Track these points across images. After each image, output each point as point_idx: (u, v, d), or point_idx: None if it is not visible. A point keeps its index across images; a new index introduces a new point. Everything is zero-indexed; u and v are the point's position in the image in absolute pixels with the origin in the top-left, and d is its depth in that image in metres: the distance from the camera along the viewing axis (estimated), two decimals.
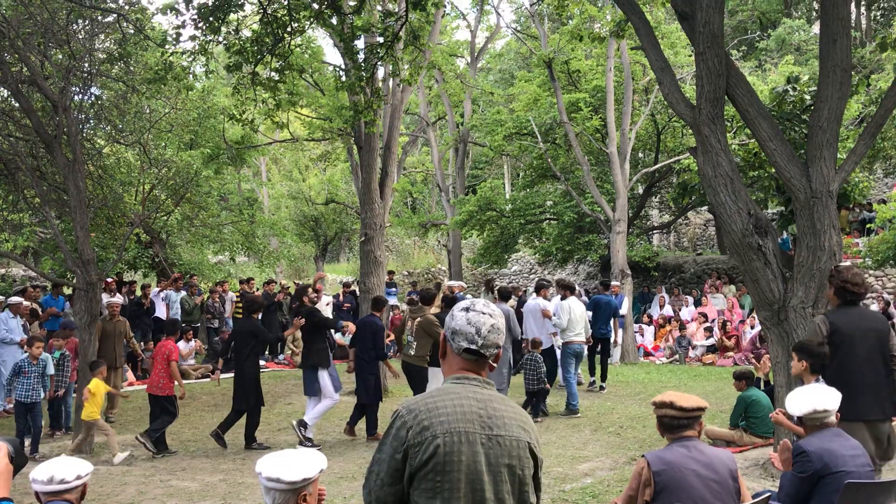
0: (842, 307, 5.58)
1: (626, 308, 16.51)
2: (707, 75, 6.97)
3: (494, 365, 2.63)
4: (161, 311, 15.48)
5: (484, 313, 2.57)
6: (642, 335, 18.08)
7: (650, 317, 18.76)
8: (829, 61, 6.68)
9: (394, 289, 20.41)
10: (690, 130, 18.86)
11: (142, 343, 14.89)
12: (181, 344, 14.67)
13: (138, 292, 15.65)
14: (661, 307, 19.18)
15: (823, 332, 5.42)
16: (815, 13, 33.26)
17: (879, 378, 5.34)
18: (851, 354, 5.34)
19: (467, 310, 2.60)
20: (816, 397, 4.15)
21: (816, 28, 30.21)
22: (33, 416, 9.16)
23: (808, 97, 8.76)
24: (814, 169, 6.69)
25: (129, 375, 14.04)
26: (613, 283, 16.79)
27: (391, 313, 17.64)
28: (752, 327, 15.72)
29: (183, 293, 15.80)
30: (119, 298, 13.38)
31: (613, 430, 10.12)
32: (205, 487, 7.73)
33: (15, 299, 12.57)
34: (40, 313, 13.54)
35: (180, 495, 7.44)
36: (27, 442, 8.91)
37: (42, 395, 9.38)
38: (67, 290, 14.90)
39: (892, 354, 5.37)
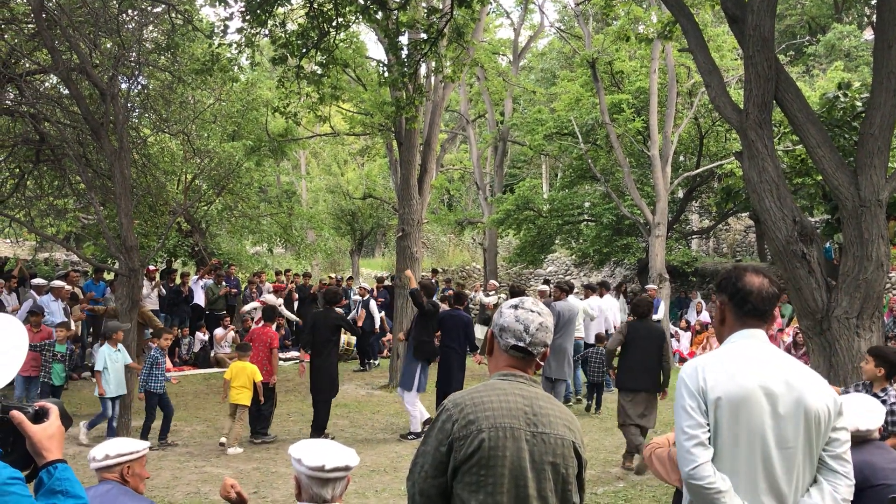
0: (636, 320, 8.48)
1: (662, 312, 16.33)
2: (756, 79, 6.85)
3: (542, 363, 2.63)
4: (200, 299, 15.66)
5: (532, 311, 2.58)
6: (678, 341, 17.87)
7: (688, 322, 18.54)
8: (884, 67, 6.53)
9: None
10: (734, 135, 18.47)
11: (179, 331, 15.10)
12: (219, 331, 14.82)
13: (178, 280, 15.85)
14: (699, 313, 18.95)
15: (624, 333, 8.39)
16: (866, 19, 32.57)
17: (652, 365, 8.16)
18: (637, 350, 8.23)
19: (516, 307, 2.60)
20: (861, 417, 4.05)
21: (867, 34, 29.61)
22: (166, 404, 9.27)
23: (859, 104, 8.56)
24: (863, 177, 6.54)
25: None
26: (650, 286, 16.63)
27: None
28: (793, 337, 15.44)
29: (210, 281, 15.87)
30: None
31: (647, 435, 10.02)
32: (238, 475, 7.81)
33: (57, 283, 12.81)
34: (80, 297, 13.76)
35: (214, 482, 7.52)
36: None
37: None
38: (108, 276, 15.14)
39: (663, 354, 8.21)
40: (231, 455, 8.71)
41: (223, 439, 9.06)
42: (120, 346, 9.32)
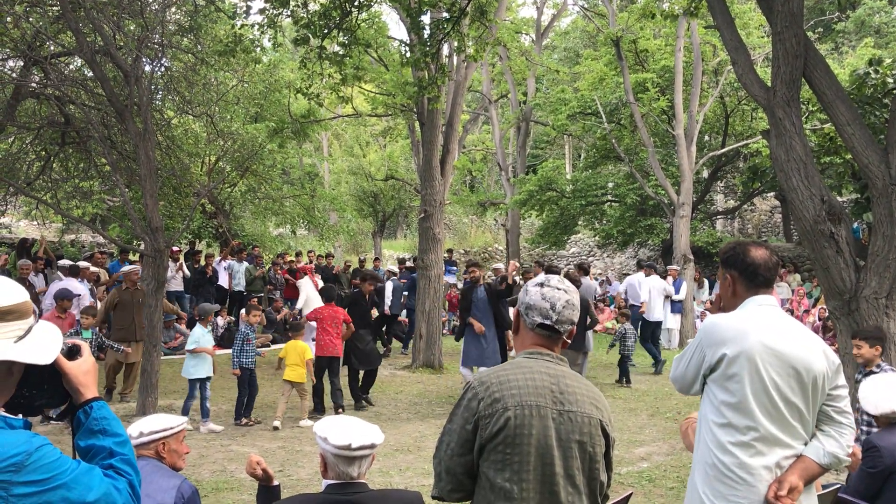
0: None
1: (684, 293, 16.22)
2: (784, 56, 6.73)
3: (568, 341, 2.60)
4: (224, 281, 15.78)
5: (559, 289, 2.56)
6: (703, 321, 17.75)
7: (713, 303, 18.42)
8: None
9: (454, 267, 20.42)
10: (760, 114, 18.22)
11: None
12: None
13: (202, 262, 15.98)
14: None
15: None
16: None
17: (578, 329, 8.67)
18: None
19: (542, 285, 2.58)
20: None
21: None
22: (253, 381, 9.48)
23: (890, 80, 8.40)
24: (894, 155, 6.42)
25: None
26: (671, 267, 16.52)
27: (448, 291, 17.68)
28: (821, 319, 15.29)
29: (247, 264, 16.07)
30: (136, 267, 11.68)
31: (671, 415, 9.99)
32: (263, 454, 7.88)
33: (83, 264, 12.94)
34: (104, 278, 13.86)
35: (240, 460, 7.60)
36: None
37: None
38: (133, 257, 15.29)
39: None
40: (256, 433, 8.80)
41: (276, 423, 9.19)
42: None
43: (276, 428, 9.03)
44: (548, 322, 2.53)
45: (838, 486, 4.05)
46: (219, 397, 10.54)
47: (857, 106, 7.76)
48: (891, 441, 3.90)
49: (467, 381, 10.15)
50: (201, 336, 9.24)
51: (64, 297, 10.29)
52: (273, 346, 14.56)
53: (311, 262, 18.15)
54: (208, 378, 9.19)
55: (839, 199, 17.95)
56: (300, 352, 9.40)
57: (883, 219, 6.49)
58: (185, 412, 8.89)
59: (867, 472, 3.89)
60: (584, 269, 12.31)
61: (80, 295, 11.85)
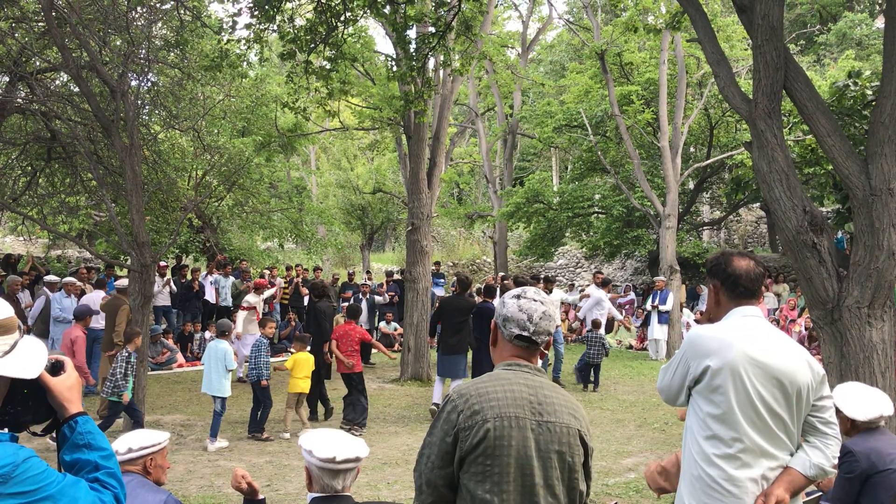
0: (458, 293, 10.65)
1: (671, 304, 16.29)
2: (765, 68, 6.80)
3: (546, 352, 2.63)
4: (210, 295, 15.74)
5: (535, 300, 2.58)
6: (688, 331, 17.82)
7: (701, 314, 18.52)
8: (894, 55, 6.48)
9: (441, 279, 20.45)
10: (744, 125, 18.40)
11: (192, 326, 15.19)
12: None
13: (189, 276, 15.93)
14: None
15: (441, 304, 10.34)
16: (878, 6, 32.29)
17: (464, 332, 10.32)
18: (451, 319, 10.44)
19: (518, 297, 2.60)
20: (885, 404, 4.07)
21: (879, 22, 29.35)
22: (267, 394, 9.48)
23: (869, 92, 8.49)
24: (874, 166, 6.49)
25: (179, 357, 14.32)
26: (658, 278, 16.61)
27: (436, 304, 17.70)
28: (807, 328, 15.39)
29: (233, 279, 16.04)
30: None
31: (658, 426, 10.02)
32: (251, 468, 7.86)
33: (69, 279, 12.89)
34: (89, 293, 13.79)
35: (227, 475, 7.56)
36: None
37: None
38: (121, 272, 15.23)
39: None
40: (244, 448, 8.77)
41: (286, 434, 9.42)
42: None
43: (298, 433, 9.20)
44: (525, 333, 2.55)
45: (819, 494, 4.08)
46: (206, 412, 10.48)
47: (837, 117, 7.86)
48: (866, 445, 3.96)
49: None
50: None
51: (86, 314, 10.47)
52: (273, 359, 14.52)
53: (297, 275, 18.11)
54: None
55: (822, 209, 18.07)
56: (308, 364, 9.58)
57: (864, 229, 6.56)
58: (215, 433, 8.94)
59: (845, 478, 3.94)
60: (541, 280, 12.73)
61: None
